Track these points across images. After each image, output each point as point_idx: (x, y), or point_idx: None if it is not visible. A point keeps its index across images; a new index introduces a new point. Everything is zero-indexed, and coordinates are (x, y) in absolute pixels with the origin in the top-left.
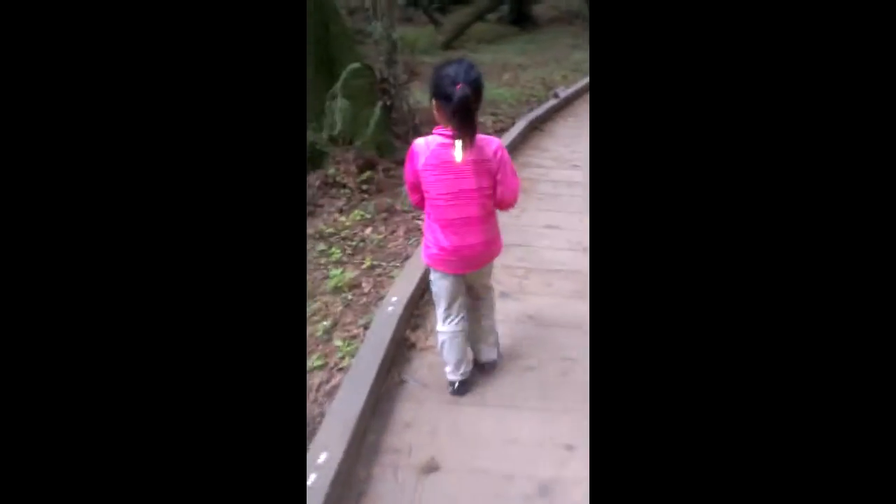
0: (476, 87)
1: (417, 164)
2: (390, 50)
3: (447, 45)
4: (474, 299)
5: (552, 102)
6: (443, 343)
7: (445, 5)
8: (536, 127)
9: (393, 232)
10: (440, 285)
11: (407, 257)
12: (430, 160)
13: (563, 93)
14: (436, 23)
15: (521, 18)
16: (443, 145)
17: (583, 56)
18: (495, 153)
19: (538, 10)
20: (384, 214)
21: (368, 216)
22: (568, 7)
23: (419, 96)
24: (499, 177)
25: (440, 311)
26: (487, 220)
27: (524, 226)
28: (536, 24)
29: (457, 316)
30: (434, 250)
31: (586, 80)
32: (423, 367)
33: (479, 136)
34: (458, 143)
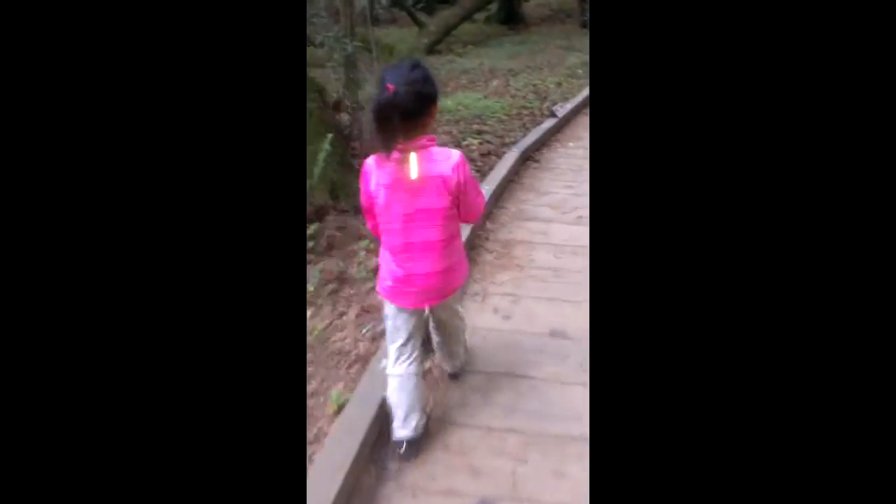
0: (415, 91)
1: (370, 185)
2: (347, 64)
3: (431, 49)
4: (442, 334)
5: (549, 123)
6: (392, 389)
7: (432, 5)
8: (530, 157)
9: (342, 315)
10: (395, 321)
11: (357, 360)
12: (382, 179)
13: (562, 110)
14: (419, 24)
15: (511, 17)
16: (395, 160)
17: (578, 60)
18: (455, 168)
19: (528, 7)
20: (332, 286)
21: (310, 289)
22: (559, 5)
23: None
24: (462, 191)
25: (391, 348)
26: (450, 243)
27: (517, 337)
28: (527, 24)
29: (410, 356)
30: (388, 282)
31: (586, 91)
32: None
33: (437, 149)
34: (412, 157)
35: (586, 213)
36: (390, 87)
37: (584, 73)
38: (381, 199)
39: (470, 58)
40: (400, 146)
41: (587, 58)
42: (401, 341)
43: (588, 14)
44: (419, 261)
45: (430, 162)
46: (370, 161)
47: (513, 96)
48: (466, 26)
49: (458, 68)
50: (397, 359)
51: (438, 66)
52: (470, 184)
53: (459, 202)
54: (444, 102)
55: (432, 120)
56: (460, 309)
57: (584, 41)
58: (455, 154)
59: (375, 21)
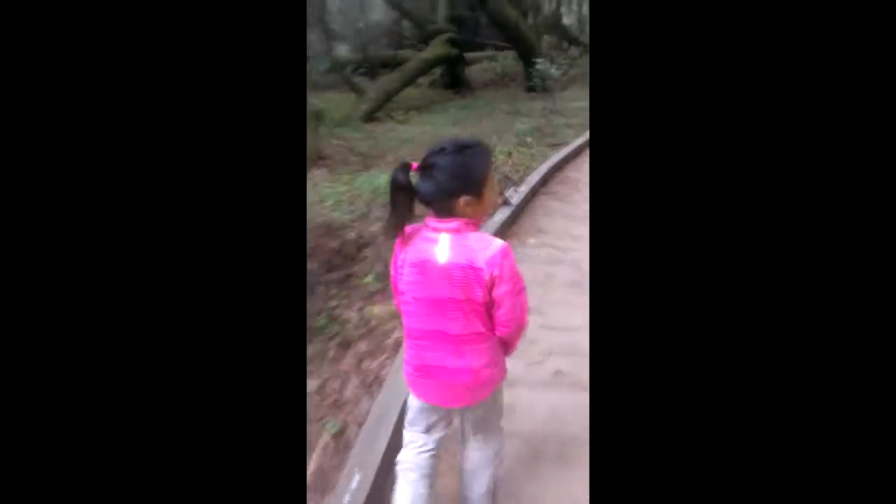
0: (434, 177)
1: (397, 259)
2: None
3: (370, 116)
4: (468, 448)
5: (501, 214)
6: (395, 479)
7: (375, 70)
8: None
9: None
10: (412, 407)
11: None
12: (410, 256)
13: (517, 195)
14: (357, 90)
15: (456, 82)
16: (425, 239)
17: (526, 126)
18: (492, 261)
19: (473, 71)
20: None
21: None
22: (504, 69)
23: (326, 193)
24: (495, 293)
25: (405, 433)
26: (476, 340)
27: None
28: (472, 88)
29: (424, 445)
30: (409, 368)
31: (543, 165)
32: None
33: (475, 235)
34: (444, 239)
35: (568, 362)
36: (413, 164)
37: (534, 141)
38: (405, 276)
39: (412, 125)
40: (432, 225)
41: (535, 123)
42: (413, 428)
43: (534, 79)
44: (439, 353)
45: (462, 248)
46: (408, 231)
47: None
48: (409, 91)
49: (398, 137)
50: (407, 443)
51: (377, 136)
52: (511, 282)
53: (493, 301)
54: (377, 181)
55: (469, 208)
56: (495, 425)
57: (530, 105)
58: (495, 244)
59: (314, 87)
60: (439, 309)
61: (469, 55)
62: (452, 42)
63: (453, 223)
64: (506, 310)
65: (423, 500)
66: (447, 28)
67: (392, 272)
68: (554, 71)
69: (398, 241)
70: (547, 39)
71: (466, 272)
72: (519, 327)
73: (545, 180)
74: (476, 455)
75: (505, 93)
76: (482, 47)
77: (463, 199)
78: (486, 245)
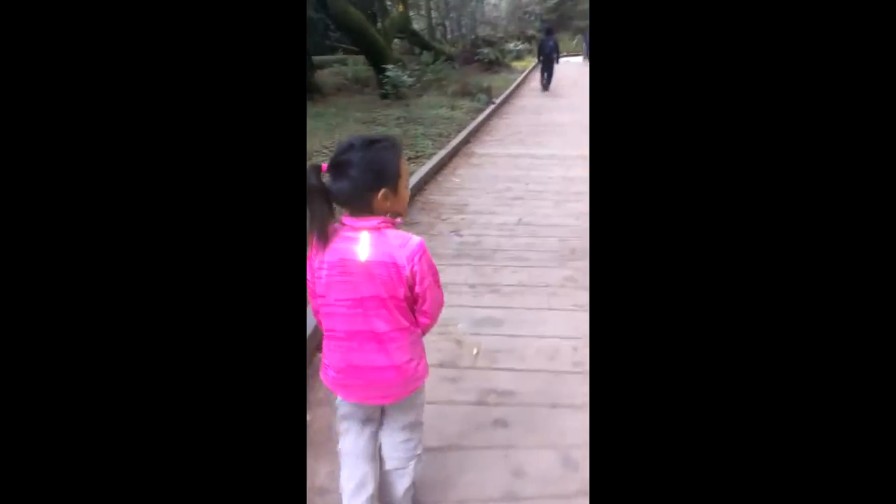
0: (347, 175)
1: (313, 262)
2: None
3: None
4: (391, 447)
5: None
6: (339, 467)
7: None
8: None
9: None
10: (343, 411)
11: None
12: (329, 256)
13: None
14: None
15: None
16: (344, 239)
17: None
18: (411, 257)
19: (322, 76)
20: None
21: None
22: (355, 74)
23: None
24: (418, 289)
25: (341, 424)
26: (401, 337)
27: None
28: (323, 94)
29: (361, 432)
30: (331, 371)
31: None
32: None
33: (393, 233)
34: (364, 237)
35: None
36: (323, 166)
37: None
38: (323, 278)
39: None
40: (349, 224)
41: (391, 133)
42: (354, 420)
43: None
44: (365, 353)
45: (383, 245)
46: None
47: None
48: None
49: None
50: (345, 431)
51: None
52: (428, 277)
53: (415, 296)
54: None
55: (387, 202)
56: (417, 420)
57: (385, 114)
58: (413, 240)
59: None
60: (364, 307)
61: (318, 59)
62: None
63: (372, 221)
64: (429, 303)
65: (372, 479)
66: None
67: (308, 276)
68: (407, 77)
69: (312, 244)
70: (398, 44)
71: (389, 269)
72: (437, 314)
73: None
74: (400, 453)
75: (359, 99)
76: (332, 50)
77: (381, 193)
78: (404, 242)
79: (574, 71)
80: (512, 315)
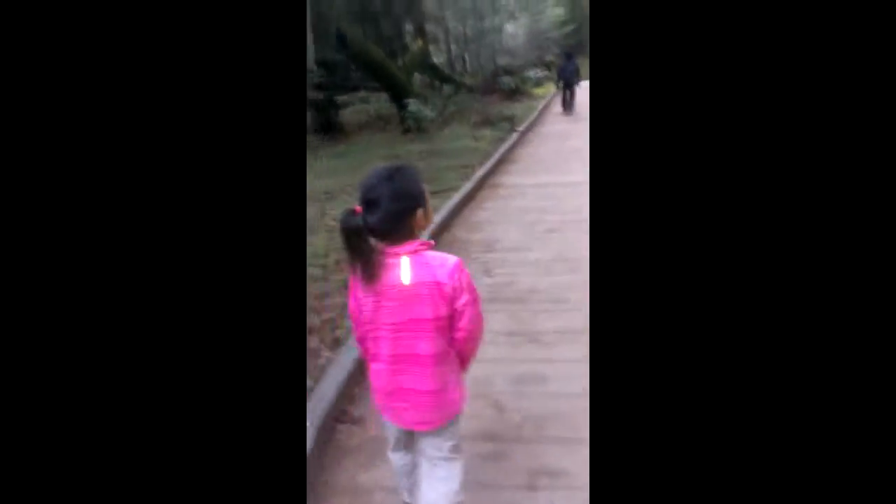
0: (386, 210)
1: (359, 291)
2: None
3: None
4: (431, 479)
5: None
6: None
7: None
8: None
9: None
10: (390, 432)
11: None
12: (375, 285)
13: None
14: None
15: (328, 127)
16: (388, 266)
17: None
18: (452, 274)
19: (345, 115)
20: None
21: None
22: (378, 111)
23: None
24: (458, 304)
25: (391, 456)
26: (442, 360)
27: None
28: (346, 133)
29: (407, 464)
30: (377, 394)
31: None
32: None
33: (432, 254)
34: (404, 261)
35: None
36: (357, 208)
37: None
38: (369, 305)
39: None
40: (389, 251)
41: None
42: (401, 451)
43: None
44: (408, 376)
45: (423, 267)
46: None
47: (330, 230)
48: None
49: None
50: (397, 466)
51: None
52: (467, 293)
53: (455, 314)
54: None
55: (420, 225)
56: (455, 447)
57: (407, 148)
58: (451, 259)
59: None
60: (410, 330)
61: (340, 98)
62: (318, 86)
63: (411, 245)
64: (466, 320)
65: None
66: (315, 73)
67: (351, 307)
68: (428, 112)
69: (355, 280)
70: (418, 79)
71: (432, 288)
72: (477, 336)
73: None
74: (440, 486)
75: (381, 136)
76: (355, 89)
77: (419, 213)
78: (443, 261)
79: None
80: (555, 369)
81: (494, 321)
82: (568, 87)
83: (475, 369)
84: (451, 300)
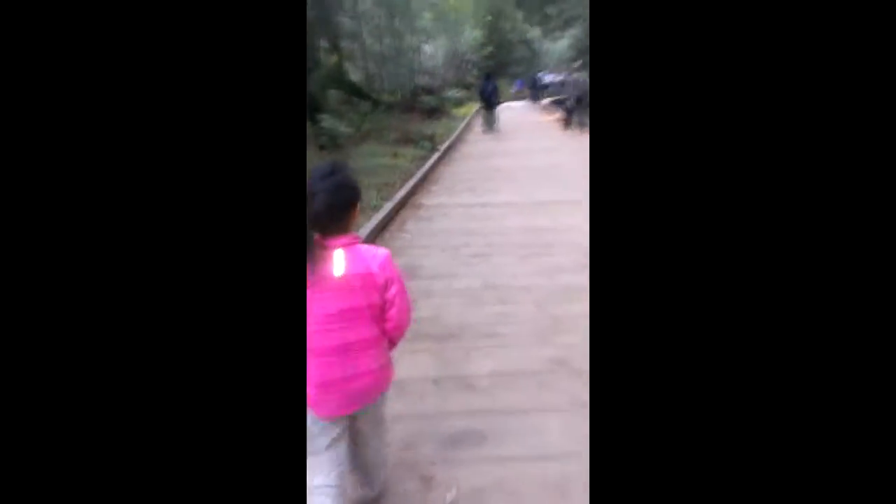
0: (328, 201)
1: None
2: None
3: None
4: (361, 450)
5: None
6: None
7: None
8: None
9: None
10: (312, 432)
11: None
12: (308, 277)
13: None
14: None
15: None
16: (319, 258)
17: None
18: (382, 265)
19: None
20: None
21: None
22: None
23: None
24: (388, 294)
25: (311, 461)
26: (378, 343)
27: None
28: None
29: (331, 463)
30: (310, 389)
31: None
32: None
33: (363, 247)
34: (338, 254)
35: None
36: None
37: None
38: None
39: None
40: (322, 244)
41: None
42: (324, 451)
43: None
44: (343, 364)
45: (355, 259)
46: None
47: None
48: None
49: None
50: (318, 471)
51: None
52: (398, 282)
53: (385, 304)
54: None
55: (354, 220)
56: (385, 418)
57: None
58: (381, 251)
59: None
60: (344, 319)
61: None
62: None
63: (345, 238)
64: (397, 308)
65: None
66: None
67: None
68: (343, 128)
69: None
70: (334, 95)
71: (365, 279)
72: (405, 324)
73: None
74: (374, 451)
75: None
76: None
77: (357, 208)
78: (374, 253)
79: (517, 115)
80: (494, 423)
81: (420, 364)
82: (489, 106)
83: (398, 429)
84: (382, 290)
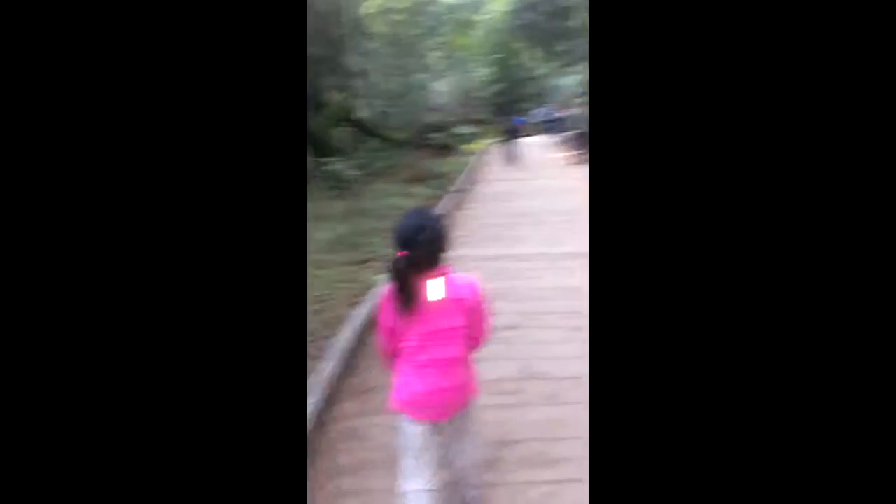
0: (429, 251)
1: (392, 315)
2: None
3: None
4: (461, 451)
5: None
6: None
7: None
8: None
9: None
10: (412, 435)
11: None
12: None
13: None
14: None
15: None
16: (423, 289)
17: (327, 236)
18: (472, 291)
19: None
20: None
21: None
22: None
23: None
24: (477, 315)
25: (406, 465)
26: (464, 361)
27: None
28: None
29: (427, 471)
30: (406, 397)
31: (359, 308)
32: None
33: (457, 276)
34: (437, 283)
35: None
36: (400, 253)
37: (337, 257)
38: (406, 323)
39: None
40: (427, 277)
41: (339, 231)
42: (416, 456)
43: None
44: (441, 377)
45: (450, 286)
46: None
47: None
48: None
49: None
50: (412, 475)
51: None
52: (485, 305)
53: (472, 322)
54: None
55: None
56: (475, 428)
57: (330, 206)
58: (469, 278)
59: None
60: (439, 339)
61: None
62: None
63: (441, 271)
64: (483, 327)
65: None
66: None
67: (384, 322)
68: (350, 170)
69: (394, 307)
70: (340, 134)
71: (460, 303)
72: (486, 340)
73: (360, 340)
74: (467, 454)
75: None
76: None
77: (446, 249)
78: (464, 281)
79: (539, 151)
80: None
81: None
82: (514, 138)
83: None
84: (471, 311)
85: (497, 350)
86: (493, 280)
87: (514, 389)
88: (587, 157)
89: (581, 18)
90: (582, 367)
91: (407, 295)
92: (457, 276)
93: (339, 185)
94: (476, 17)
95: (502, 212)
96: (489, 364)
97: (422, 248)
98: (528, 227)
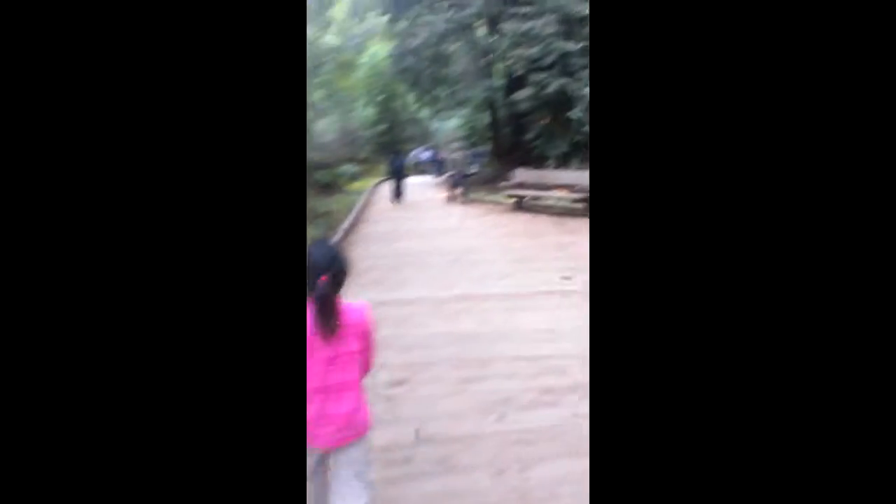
0: (337, 272)
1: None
2: None
3: None
4: (339, 484)
5: None
6: None
7: None
8: None
9: None
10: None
11: None
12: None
13: None
14: None
15: None
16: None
17: None
18: (367, 316)
19: None
20: None
21: None
22: None
23: None
24: (368, 340)
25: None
26: (355, 385)
27: None
28: None
29: (314, 500)
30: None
31: None
32: None
33: (350, 302)
34: (342, 306)
35: None
36: (323, 278)
37: None
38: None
39: None
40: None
41: None
42: (317, 479)
43: None
44: (335, 401)
45: (349, 311)
46: None
47: None
48: None
49: None
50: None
51: None
52: (373, 333)
53: (363, 347)
54: None
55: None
56: (367, 462)
57: None
58: (362, 304)
59: None
60: (334, 363)
61: None
62: None
63: (339, 298)
64: (373, 352)
65: None
66: None
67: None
68: None
69: (316, 333)
70: None
71: (356, 328)
72: (371, 368)
73: None
74: (354, 491)
75: None
76: None
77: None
78: (359, 306)
79: (421, 191)
80: None
81: None
82: (398, 179)
83: None
84: (364, 336)
85: (384, 410)
86: (379, 328)
87: (403, 458)
88: (467, 197)
89: (461, 64)
90: (474, 426)
91: (327, 318)
92: (351, 303)
93: None
94: (358, 59)
95: (387, 253)
96: (375, 429)
97: (336, 274)
98: (413, 270)
